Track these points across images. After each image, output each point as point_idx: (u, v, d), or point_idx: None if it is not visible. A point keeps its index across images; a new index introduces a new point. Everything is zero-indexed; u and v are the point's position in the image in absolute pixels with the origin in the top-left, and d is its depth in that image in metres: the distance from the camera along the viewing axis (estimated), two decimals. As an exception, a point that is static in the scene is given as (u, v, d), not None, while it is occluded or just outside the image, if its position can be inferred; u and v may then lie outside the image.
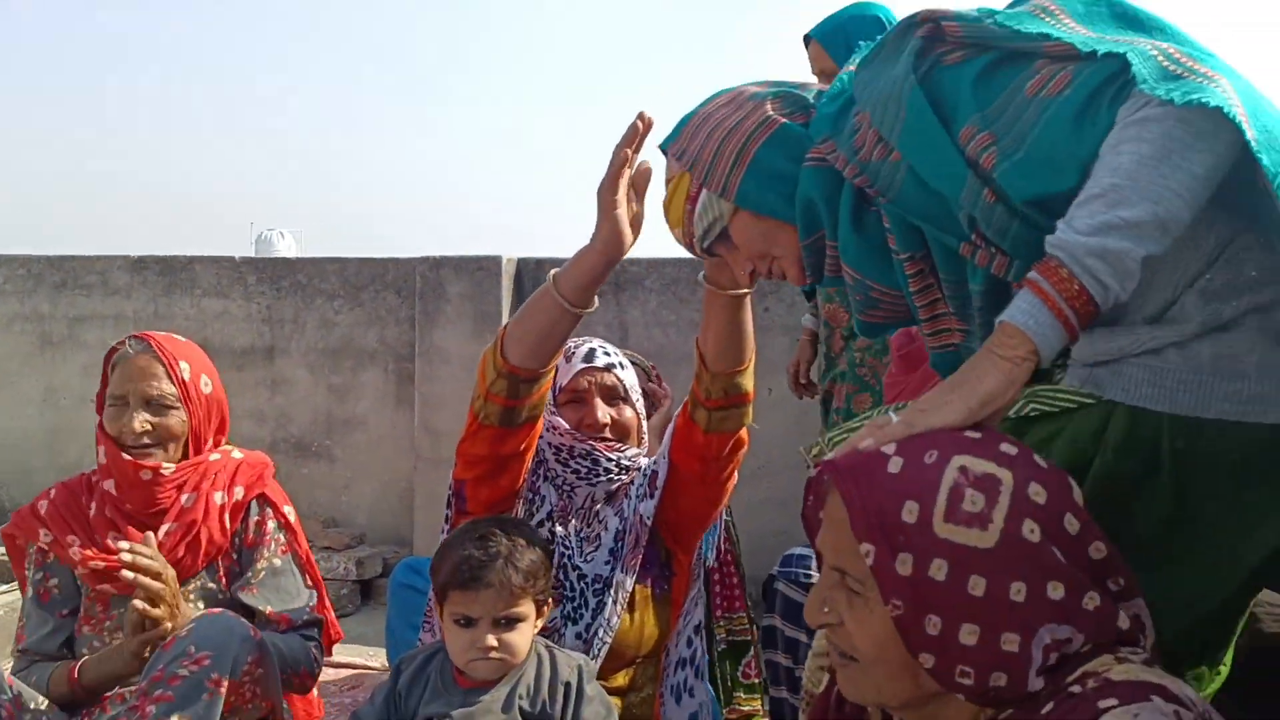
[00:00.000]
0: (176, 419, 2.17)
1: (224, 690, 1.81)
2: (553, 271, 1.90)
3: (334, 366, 4.97)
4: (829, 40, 3.01)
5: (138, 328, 2.05)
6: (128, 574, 1.88)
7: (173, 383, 2.16)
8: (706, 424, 2.02)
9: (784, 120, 1.57)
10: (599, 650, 2.05)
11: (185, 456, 2.20)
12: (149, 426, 2.14)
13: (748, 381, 1.99)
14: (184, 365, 2.18)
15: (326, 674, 3.02)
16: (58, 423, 5.32)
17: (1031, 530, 1.05)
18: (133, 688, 1.97)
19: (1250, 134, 1.16)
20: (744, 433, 2.06)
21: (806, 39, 3.07)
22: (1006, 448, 1.11)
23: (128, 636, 1.95)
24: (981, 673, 1.05)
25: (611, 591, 2.08)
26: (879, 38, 1.53)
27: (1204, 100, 1.15)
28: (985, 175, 1.32)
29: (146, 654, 1.91)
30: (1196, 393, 1.24)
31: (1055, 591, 1.04)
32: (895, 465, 1.09)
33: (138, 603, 1.89)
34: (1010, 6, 1.46)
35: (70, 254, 5.34)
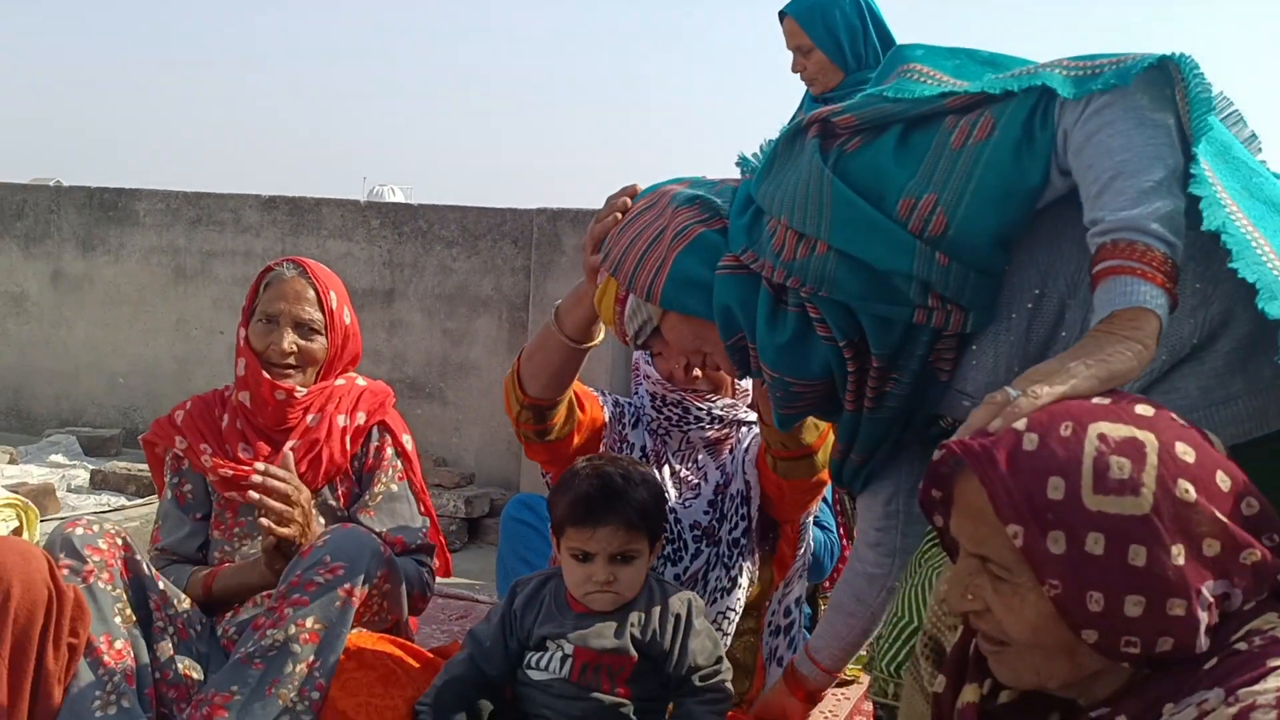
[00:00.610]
0: (320, 344, 2.22)
1: (356, 600, 1.88)
2: (555, 306, 1.96)
3: (449, 312, 5.08)
4: (805, 17, 2.97)
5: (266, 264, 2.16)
6: (253, 494, 1.95)
7: (321, 310, 2.22)
8: (774, 467, 2.08)
9: (702, 229, 1.63)
10: (728, 629, 2.15)
11: (316, 382, 2.27)
12: (296, 348, 2.19)
13: (809, 435, 1.99)
14: (333, 294, 2.25)
15: (436, 604, 3.12)
16: (187, 352, 5.56)
17: (1186, 490, 1.02)
18: (266, 591, 2.07)
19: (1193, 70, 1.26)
20: (825, 474, 2.07)
21: (781, 15, 3.03)
22: (1143, 409, 1.07)
23: (263, 553, 2.03)
24: (1148, 640, 1.02)
25: (725, 551, 2.16)
26: (773, 143, 1.59)
27: (1144, 63, 1.26)
28: (935, 240, 1.37)
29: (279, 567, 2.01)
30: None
31: (1211, 549, 1.02)
32: (1030, 442, 1.05)
33: (264, 520, 1.96)
34: (877, 82, 1.55)
35: (206, 191, 5.55)
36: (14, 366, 5.88)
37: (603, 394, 2.28)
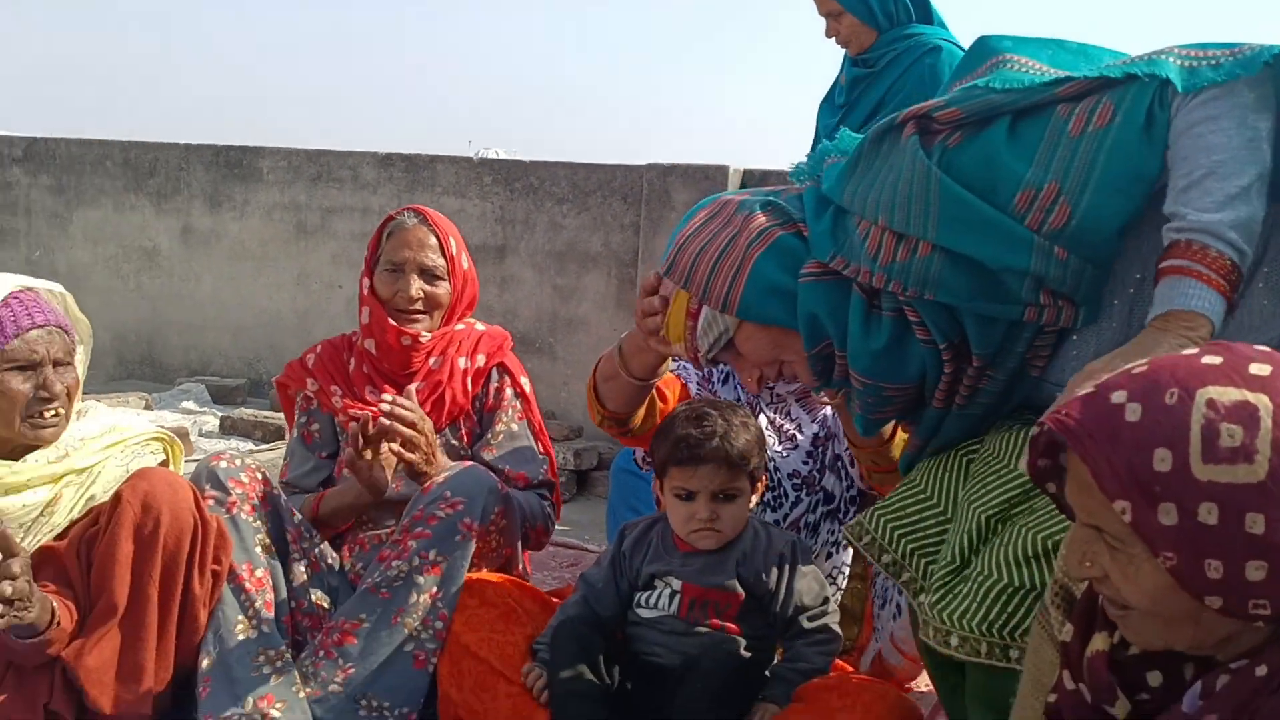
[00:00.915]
0: (444, 289, 2.29)
1: (475, 535, 1.96)
2: (618, 350, 1.97)
3: (560, 268, 5.15)
4: None
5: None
6: (385, 421, 2.03)
7: (443, 255, 2.29)
8: (869, 478, 2.09)
9: (780, 232, 1.59)
10: (841, 583, 2.21)
11: (440, 326, 2.35)
12: (422, 294, 2.26)
13: (898, 451, 1.97)
14: (453, 240, 2.31)
15: (548, 551, 3.20)
16: (308, 305, 5.75)
17: None
18: (389, 528, 2.17)
19: None
20: None
21: None
22: (1258, 368, 1.02)
23: (354, 472, 2.12)
24: (1279, 601, 0.98)
25: (841, 507, 2.22)
26: (851, 151, 1.56)
27: (1264, 56, 1.28)
28: (1055, 233, 1.36)
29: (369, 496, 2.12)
30: None
31: None
32: (1134, 413, 1.01)
33: (394, 446, 2.04)
34: (961, 74, 1.54)
35: (325, 149, 5.71)
36: (147, 319, 6.16)
37: (683, 365, 2.30)
